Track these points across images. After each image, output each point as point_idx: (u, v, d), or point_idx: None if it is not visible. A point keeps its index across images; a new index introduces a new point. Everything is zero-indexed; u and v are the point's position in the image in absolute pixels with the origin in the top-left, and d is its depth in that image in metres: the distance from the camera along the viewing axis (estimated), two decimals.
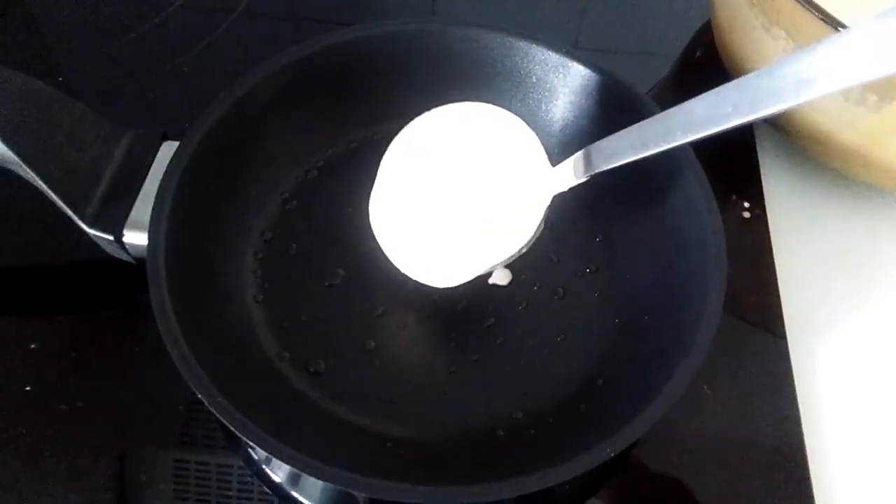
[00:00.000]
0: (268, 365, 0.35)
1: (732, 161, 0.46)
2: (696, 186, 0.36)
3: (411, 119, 0.35)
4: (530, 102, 0.42)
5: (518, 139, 0.34)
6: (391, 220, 0.35)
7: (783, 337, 0.39)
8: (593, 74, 0.40)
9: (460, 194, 0.34)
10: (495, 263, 0.34)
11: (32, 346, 0.36)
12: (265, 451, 0.29)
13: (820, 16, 0.34)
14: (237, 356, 0.34)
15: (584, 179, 0.32)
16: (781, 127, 0.42)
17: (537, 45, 0.40)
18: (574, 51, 0.40)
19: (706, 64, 0.49)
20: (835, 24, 0.33)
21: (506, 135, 0.34)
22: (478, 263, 0.34)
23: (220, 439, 0.35)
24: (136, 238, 0.34)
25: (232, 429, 0.29)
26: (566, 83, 0.41)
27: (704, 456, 0.36)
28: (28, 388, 0.35)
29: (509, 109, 0.41)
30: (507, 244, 0.34)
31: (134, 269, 0.36)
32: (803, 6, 0.34)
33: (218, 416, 0.29)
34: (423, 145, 0.35)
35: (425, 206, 0.35)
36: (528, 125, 0.41)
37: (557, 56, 0.40)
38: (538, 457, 0.31)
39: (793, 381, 0.38)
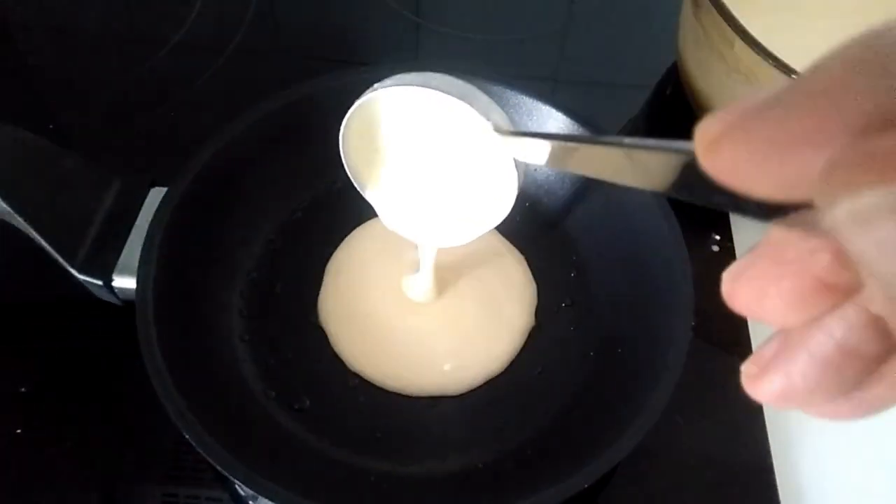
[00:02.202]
0: (254, 403, 0.36)
1: None
2: (664, 224, 0.37)
3: None
4: None
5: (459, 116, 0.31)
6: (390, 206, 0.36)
7: None
8: (565, 118, 0.41)
9: (430, 186, 0.35)
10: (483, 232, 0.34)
11: (22, 389, 0.37)
12: (252, 490, 0.30)
13: (775, 64, 0.36)
14: (224, 395, 0.35)
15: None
16: None
17: (512, 89, 0.42)
18: (549, 96, 0.42)
19: (676, 100, 0.51)
20: (787, 71, 0.35)
21: (447, 115, 0.32)
22: (469, 233, 0.35)
23: (209, 472, 0.36)
24: (124, 282, 0.35)
25: (219, 468, 0.30)
26: (540, 126, 0.42)
27: (677, 482, 0.37)
28: (18, 431, 0.36)
29: None
30: (483, 223, 0.34)
31: (121, 310, 0.37)
32: (760, 55, 0.36)
33: (205, 455, 0.30)
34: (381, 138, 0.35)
35: (409, 198, 0.35)
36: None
37: (532, 101, 0.42)
38: (517, 488, 0.32)
39: (762, 407, 0.39)
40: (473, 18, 0.60)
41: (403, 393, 0.37)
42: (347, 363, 0.38)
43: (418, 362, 0.38)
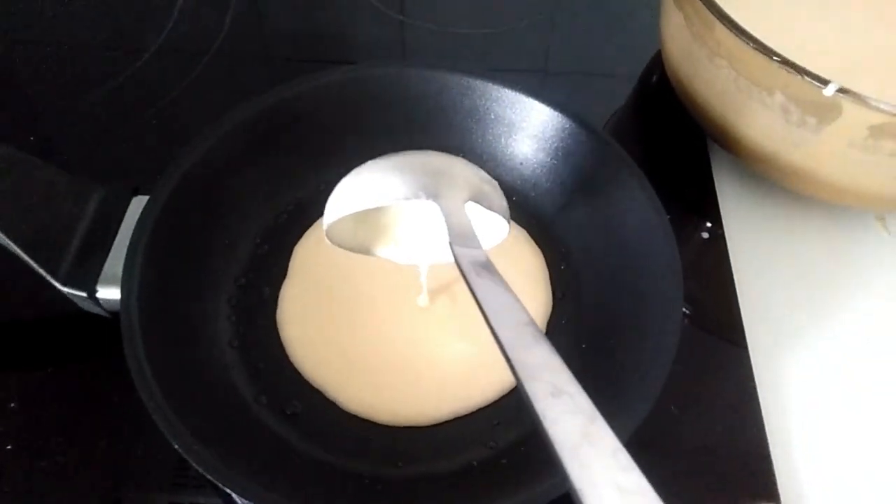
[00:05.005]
0: (245, 409, 0.36)
1: (690, 185, 0.48)
2: (653, 214, 0.37)
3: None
4: (490, 139, 0.43)
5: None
6: None
7: (746, 348, 0.41)
8: (549, 110, 0.41)
9: (427, 229, 0.36)
10: None
11: (11, 405, 0.36)
12: (244, 497, 0.29)
13: (755, 46, 0.35)
14: (214, 402, 0.35)
15: None
16: (733, 149, 0.44)
17: (493, 83, 0.42)
18: (529, 88, 0.42)
19: (662, 87, 0.51)
20: (769, 54, 0.35)
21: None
22: None
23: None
24: (109, 293, 0.35)
25: (209, 477, 0.29)
26: (524, 119, 0.42)
27: (673, 470, 0.37)
28: (9, 447, 0.35)
29: (471, 146, 0.43)
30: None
31: (110, 321, 0.37)
32: (740, 38, 0.36)
33: (194, 464, 0.29)
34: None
35: None
36: (490, 160, 0.43)
37: (513, 93, 0.42)
38: (511, 485, 0.32)
39: (756, 391, 0.39)
40: (457, 13, 0.60)
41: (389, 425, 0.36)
42: (323, 392, 0.37)
43: (407, 396, 0.37)
